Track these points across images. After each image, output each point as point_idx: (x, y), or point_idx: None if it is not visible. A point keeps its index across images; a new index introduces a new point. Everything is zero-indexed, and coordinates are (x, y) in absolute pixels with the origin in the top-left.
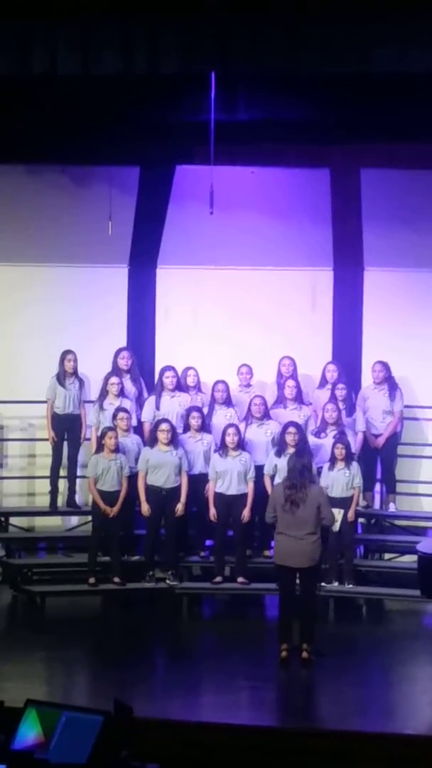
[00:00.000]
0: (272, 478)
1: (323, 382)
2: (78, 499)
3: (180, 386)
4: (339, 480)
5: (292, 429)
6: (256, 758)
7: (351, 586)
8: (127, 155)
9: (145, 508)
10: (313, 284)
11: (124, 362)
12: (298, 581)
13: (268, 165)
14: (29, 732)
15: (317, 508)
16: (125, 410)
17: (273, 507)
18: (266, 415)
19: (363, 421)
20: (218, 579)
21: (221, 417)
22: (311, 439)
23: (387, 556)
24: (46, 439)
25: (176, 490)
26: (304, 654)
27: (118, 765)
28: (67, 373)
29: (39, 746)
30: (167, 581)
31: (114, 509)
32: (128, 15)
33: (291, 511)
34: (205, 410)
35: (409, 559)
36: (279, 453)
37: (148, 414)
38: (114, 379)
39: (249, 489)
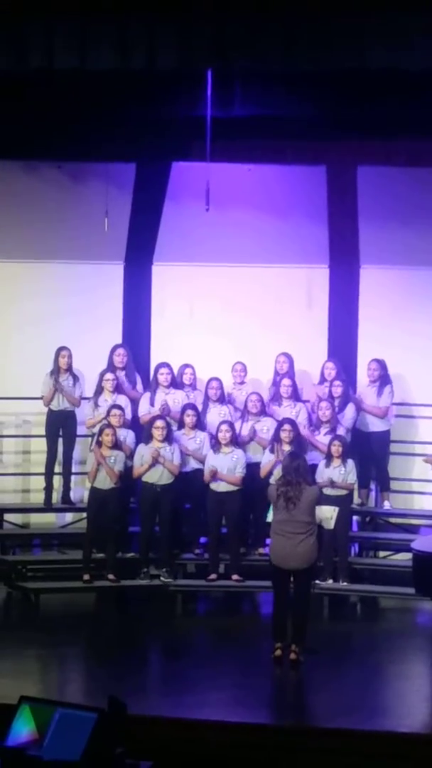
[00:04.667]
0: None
1: (322, 380)
2: (73, 495)
3: (175, 383)
4: (335, 477)
5: (287, 426)
6: (250, 755)
7: (345, 583)
8: (124, 151)
9: None
10: (309, 281)
11: (119, 359)
12: (292, 580)
13: (265, 162)
14: (23, 729)
15: (313, 508)
16: (119, 407)
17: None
18: (263, 412)
19: (351, 415)
20: (212, 576)
21: (215, 414)
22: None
23: (381, 553)
24: (41, 436)
25: (170, 487)
26: (292, 655)
27: (112, 762)
28: (61, 370)
29: (32, 743)
30: (161, 578)
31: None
32: (125, 10)
33: (286, 509)
34: (200, 407)
35: (404, 557)
36: (273, 450)
37: (143, 410)
38: (109, 376)
39: (233, 479)
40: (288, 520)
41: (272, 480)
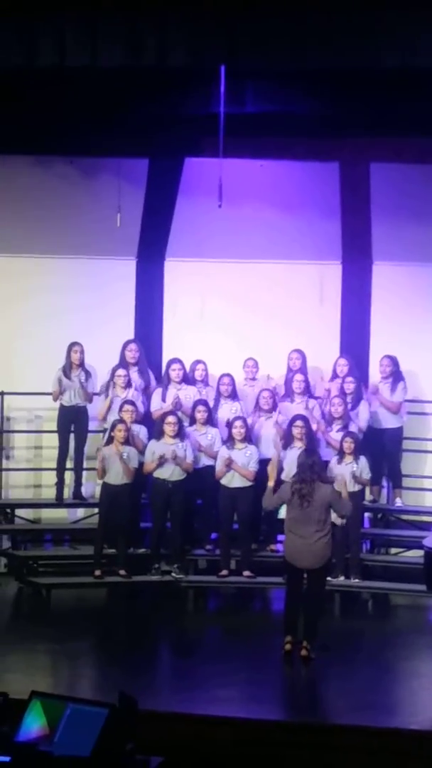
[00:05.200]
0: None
1: (334, 376)
2: (84, 491)
3: (187, 379)
4: (346, 474)
5: (299, 422)
6: (260, 752)
7: (357, 580)
8: (136, 147)
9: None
10: (322, 278)
11: (131, 354)
12: (305, 577)
13: (277, 158)
14: (33, 724)
15: (327, 507)
16: (132, 402)
17: (278, 498)
18: (274, 408)
19: (366, 415)
20: (224, 572)
21: (226, 410)
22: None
23: (393, 550)
24: (53, 431)
25: (182, 483)
26: (303, 652)
27: (122, 758)
28: (73, 365)
29: (43, 738)
30: (173, 574)
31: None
32: (137, 7)
33: (300, 507)
34: (211, 403)
35: (416, 554)
36: (286, 446)
37: (155, 406)
38: (121, 371)
39: (246, 473)
40: (302, 518)
41: (284, 476)
